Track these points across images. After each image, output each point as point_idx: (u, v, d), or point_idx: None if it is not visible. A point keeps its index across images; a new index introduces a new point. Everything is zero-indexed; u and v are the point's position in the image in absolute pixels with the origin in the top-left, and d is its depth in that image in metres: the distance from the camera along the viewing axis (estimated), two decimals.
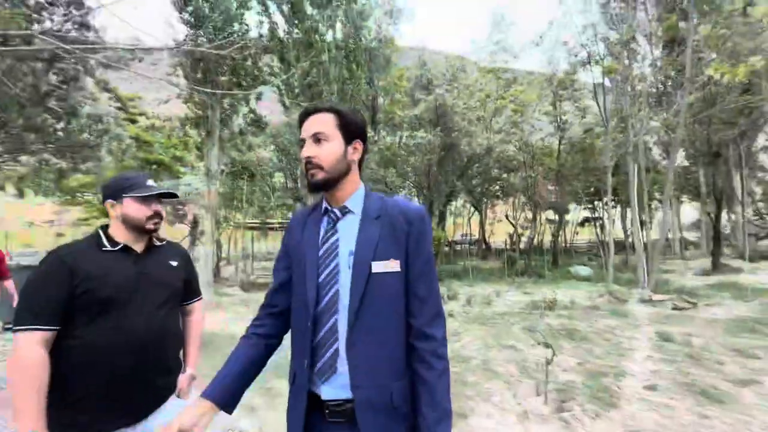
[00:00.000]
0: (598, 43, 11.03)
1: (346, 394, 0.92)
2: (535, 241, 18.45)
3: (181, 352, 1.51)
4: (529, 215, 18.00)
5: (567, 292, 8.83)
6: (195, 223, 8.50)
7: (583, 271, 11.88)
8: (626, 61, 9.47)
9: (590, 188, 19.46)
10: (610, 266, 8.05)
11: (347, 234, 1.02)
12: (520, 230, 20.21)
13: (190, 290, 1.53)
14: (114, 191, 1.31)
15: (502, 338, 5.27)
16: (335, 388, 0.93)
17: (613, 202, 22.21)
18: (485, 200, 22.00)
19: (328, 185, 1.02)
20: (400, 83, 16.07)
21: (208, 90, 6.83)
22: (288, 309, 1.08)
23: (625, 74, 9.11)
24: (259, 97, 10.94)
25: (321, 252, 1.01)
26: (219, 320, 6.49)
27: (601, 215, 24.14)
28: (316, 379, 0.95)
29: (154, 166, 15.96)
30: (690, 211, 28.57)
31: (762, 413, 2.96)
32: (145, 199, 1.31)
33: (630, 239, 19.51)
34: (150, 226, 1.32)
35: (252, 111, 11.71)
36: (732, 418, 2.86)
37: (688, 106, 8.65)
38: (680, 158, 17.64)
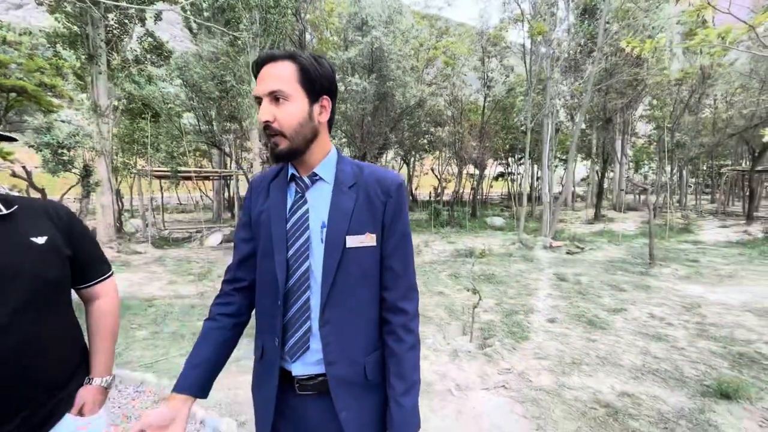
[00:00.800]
0: (525, 2, 11.36)
1: (319, 369, 0.90)
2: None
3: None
4: (454, 169, 19.02)
5: (485, 240, 9.83)
6: (86, 172, 7.05)
7: (498, 221, 13.26)
8: (549, 25, 9.95)
9: (506, 145, 21.22)
10: (521, 217, 9.06)
11: (318, 204, 0.92)
12: (444, 184, 21.45)
13: (84, 267, 1.07)
14: None
15: (432, 285, 5.72)
16: (307, 365, 0.90)
17: (522, 159, 24.71)
18: (413, 153, 22.50)
19: (293, 155, 0.88)
20: (330, 19, 14.66)
21: None
22: (254, 283, 0.99)
23: (548, 37, 9.60)
24: (158, 17, 8.95)
25: (289, 224, 0.90)
26: (132, 283, 5.76)
27: (512, 171, 26.82)
28: (287, 357, 0.90)
29: (13, 95, 12.48)
30: (580, 168, 33.34)
31: (627, 334, 3.77)
32: None
33: (536, 193, 22.17)
34: None
35: (150, 34, 9.60)
36: (609, 340, 3.60)
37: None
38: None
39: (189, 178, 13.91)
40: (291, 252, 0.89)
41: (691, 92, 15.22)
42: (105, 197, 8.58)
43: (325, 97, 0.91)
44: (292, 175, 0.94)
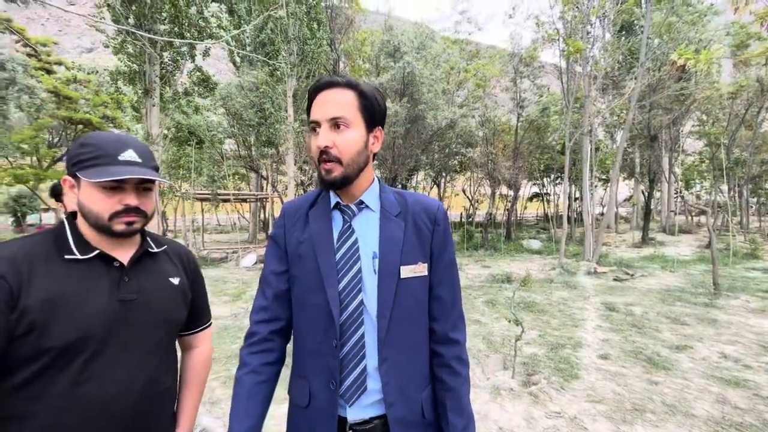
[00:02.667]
0: (559, 22, 11.18)
1: (375, 412, 0.84)
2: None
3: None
4: (486, 190, 18.61)
5: (522, 264, 9.35)
6: None
7: (535, 244, 12.65)
8: (585, 43, 9.70)
9: (542, 165, 20.55)
10: (562, 240, 8.56)
11: (366, 233, 0.88)
12: (475, 204, 20.98)
13: (194, 314, 1.03)
14: (69, 163, 0.84)
15: (468, 312, 5.43)
16: (364, 408, 0.84)
17: (559, 179, 23.78)
18: (444, 174, 22.35)
19: (345, 182, 0.85)
20: (363, 48, 15.25)
21: (145, 34, 5.86)
22: (290, 321, 0.93)
23: (584, 55, 9.35)
24: (207, 53, 9.72)
25: (338, 255, 0.85)
26: None
27: (548, 191, 25.83)
28: (341, 401, 0.83)
29: (80, 127, 13.89)
30: (623, 188, 31.53)
31: (697, 376, 3.31)
32: (112, 186, 0.82)
33: (574, 214, 21.13)
34: (118, 227, 0.82)
35: (198, 69, 10.42)
36: (676, 384, 3.17)
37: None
38: (619, 140, 19.05)
39: (228, 201, 14.59)
40: (342, 285, 0.83)
41: (747, 106, 14.10)
42: (152, 219, 9.15)
43: (379, 127, 0.90)
44: (337, 202, 0.89)
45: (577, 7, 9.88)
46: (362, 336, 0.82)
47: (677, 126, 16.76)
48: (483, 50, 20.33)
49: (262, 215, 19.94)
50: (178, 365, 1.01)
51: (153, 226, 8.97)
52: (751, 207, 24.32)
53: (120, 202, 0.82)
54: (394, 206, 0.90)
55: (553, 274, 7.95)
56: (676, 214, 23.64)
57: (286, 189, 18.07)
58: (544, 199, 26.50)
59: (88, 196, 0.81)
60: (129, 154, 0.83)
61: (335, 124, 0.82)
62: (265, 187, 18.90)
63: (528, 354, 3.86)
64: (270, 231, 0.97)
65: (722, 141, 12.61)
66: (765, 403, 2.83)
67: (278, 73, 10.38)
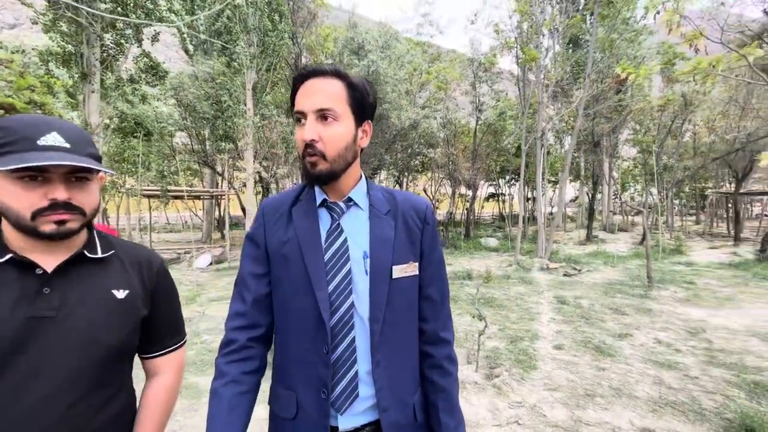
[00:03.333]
0: (515, 31, 11.78)
1: (367, 418, 0.81)
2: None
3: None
4: (447, 190, 19.16)
5: (481, 261, 9.74)
6: None
7: (492, 242, 13.23)
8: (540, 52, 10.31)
9: (498, 167, 21.55)
10: (518, 238, 9.04)
11: (355, 232, 0.84)
12: (435, 204, 21.51)
13: (151, 334, 0.87)
14: None
15: None
16: (356, 416, 0.80)
17: (513, 180, 25.10)
18: (407, 174, 22.68)
19: (331, 178, 0.80)
20: (326, 44, 14.98)
21: (86, 8, 5.40)
22: (271, 327, 0.87)
23: (538, 64, 9.93)
24: (156, 38, 8.98)
25: (327, 255, 0.81)
26: None
27: (503, 192, 27.17)
28: (331, 410, 0.79)
29: (0, 112, 12.23)
30: (568, 189, 34.01)
31: (637, 361, 3.65)
32: (31, 176, 0.67)
33: (527, 213, 22.39)
34: (46, 227, 0.68)
35: (146, 54, 9.60)
36: (620, 369, 3.47)
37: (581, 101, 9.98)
38: (567, 145, 20.53)
39: (180, 198, 13.65)
40: (331, 287, 0.79)
41: (673, 118, 15.82)
42: (94, 216, 8.29)
43: (368, 121, 0.86)
44: (324, 200, 0.85)
45: (532, 18, 10.48)
46: (353, 340, 0.79)
47: (616, 133, 18.39)
48: (444, 54, 20.86)
49: (216, 213, 18.91)
50: (124, 393, 0.81)
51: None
52: (674, 208, 27.36)
53: (45, 197, 0.67)
54: (383, 204, 0.87)
55: (509, 270, 8.38)
56: (614, 213, 25.96)
57: (244, 186, 17.28)
58: (500, 199, 27.80)
59: (4, 191, 0.67)
60: (53, 138, 0.67)
61: (322, 116, 0.77)
62: (220, 184, 17.95)
63: (490, 348, 4.03)
64: (247, 230, 0.90)
65: (653, 149, 14.04)
66: (693, 382, 3.19)
67: (236, 64, 9.88)
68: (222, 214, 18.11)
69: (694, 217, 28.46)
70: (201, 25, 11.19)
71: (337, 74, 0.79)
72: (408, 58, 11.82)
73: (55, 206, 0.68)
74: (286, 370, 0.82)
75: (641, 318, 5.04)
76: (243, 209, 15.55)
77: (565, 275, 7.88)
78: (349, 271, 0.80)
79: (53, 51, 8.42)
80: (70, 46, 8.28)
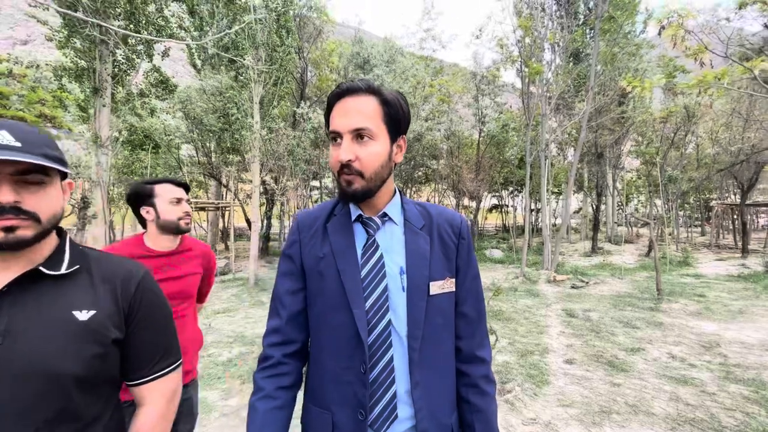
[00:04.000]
0: (518, 45, 11.99)
1: None
2: None
3: None
4: (451, 201, 19.17)
5: (487, 273, 9.67)
6: (84, 203, 6.85)
7: (497, 253, 13.16)
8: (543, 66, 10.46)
9: (501, 179, 21.62)
10: (524, 250, 8.99)
11: (391, 248, 0.83)
12: None
13: (131, 359, 0.76)
14: None
15: None
16: None
17: (516, 192, 25.11)
18: (410, 185, 22.78)
19: (367, 195, 0.80)
20: (331, 58, 15.28)
21: (103, 23, 5.54)
22: (307, 342, 0.87)
23: (541, 78, 10.05)
24: (166, 54, 9.19)
25: (364, 271, 0.80)
26: None
27: (506, 203, 27.15)
28: (370, 431, 0.77)
29: None
30: (572, 201, 33.96)
31: (651, 376, 3.58)
32: None
33: (531, 225, 22.31)
34: None
35: (156, 69, 9.81)
36: (634, 384, 3.40)
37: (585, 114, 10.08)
38: (570, 156, 20.60)
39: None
40: (368, 304, 0.78)
41: (675, 130, 15.88)
42: (98, 229, 8.35)
43: (403, 136, 0.86)
44: (359, 215, 0.85)
45: (534, 33, 10.66)
46: (391, 359, 0.77)
47: (619, 145, 18.45)
48: (446, 67, 21.19)
49: (220, 224, 18.98)
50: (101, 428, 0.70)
51: (99, 237, 8.20)
52: (680, 219, 27.20)
53: None
54: (418, 219, 0.87)
55: (516, 282, 8.31)
56: (619, 225, 25.83)
57: (248, 197, 17.39)
58: (503, 210, 27.76)
59: None
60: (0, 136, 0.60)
61: (358, 135, 0.77)
62: (225, 195, 18.09)
63: (500, 362, 3.97)
64: (282, 246, 0.90)
65: (657, 160, 14.06)
66: (711, 398, 3.12)
67: (243, 78, 10.08)
68: (226, 225, 18.17)
69: (699, 229, 28.25)
70: (209, 41, 11.48)
71: (371, 91, 0.79)
72: (412, 72, 12.01)
73: (0, 211, 0.60)
74: (320, 389, 0.81)
75: (653, 332, 4.96)
76: (247, 221, 15.61)
77: (572, 287, 7.80)
78: (386, 288, 0.79)
79: (66, 66, 8.63)
80: (83, 61, 8.49)
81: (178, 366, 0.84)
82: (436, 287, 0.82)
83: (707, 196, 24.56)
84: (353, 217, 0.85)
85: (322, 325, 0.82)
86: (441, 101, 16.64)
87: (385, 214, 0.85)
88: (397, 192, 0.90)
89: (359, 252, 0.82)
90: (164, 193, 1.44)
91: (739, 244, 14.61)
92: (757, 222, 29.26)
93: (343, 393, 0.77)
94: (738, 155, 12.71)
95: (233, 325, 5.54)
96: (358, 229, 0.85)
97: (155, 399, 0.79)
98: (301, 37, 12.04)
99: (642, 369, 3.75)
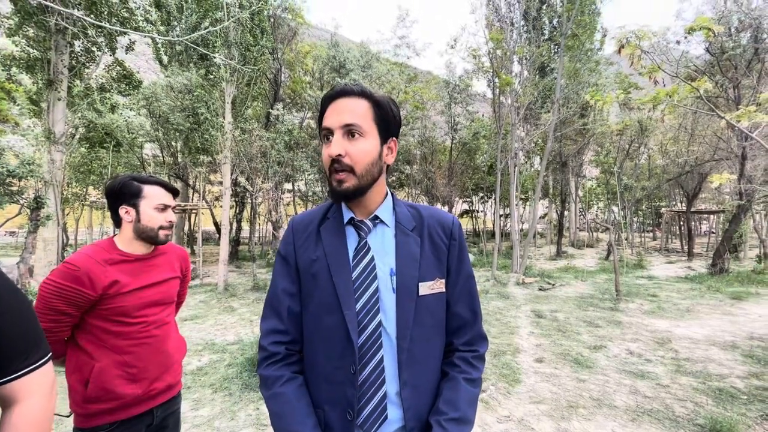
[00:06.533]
0: (489, 57, 12.48)
1: None
2: None
3: None
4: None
5: None
6: (38, 204, 6.30)
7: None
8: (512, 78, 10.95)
9: (472, 185, 22.27)
10: (494, 254, 9.29)
11: (382, 250, 0.85)
12: None
13: (6, 351, 0.68)
14: None
15: None
16: None
17: (486, 197, 25.93)
18: None
19: (358, 194, 0.82)
20: (305, 60, 15.14)
21: (64, 9, 5.26)
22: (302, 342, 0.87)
23: (511, 89, 10.51)
24: (130, 48, 8.72)
25: (355, 273, 0.81)
26: None
27: (476, 208, 27.95)
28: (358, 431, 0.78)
29: None
30: (539, 207, 35.52)
31: (613, 372, 3.82)
32: None
33: (502, 229, 23.05)
34: None
35: (119, 63, 9.28)
36: (598, 380, 3.61)
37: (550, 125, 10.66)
38: (537, 164, 21.60)
39: None
40: (359, 305, 0.79)
41: (630, 142, 17.11)
42: (49, 231, 7.73)
43: (393, 138, 0.88)
44: (351, 218, 0.86)
45: (505, 46, 11.15)
46: (381, 360, 0.78)
47: (581, 155, 19.58)
48: (420, 75, 21.60)
49: (186, 227, 18.14)
50: None
51: (52, 240, 7.59)
52: (633, 225, 29.17)
53: None
54: (409, 221, 0.89)
55: (487, 285, 8.56)
56: (581, 230, 27.30)
57: (216, 200, 16.74)
58: (474, 215, 28.53)
59: None
60: None
61: (349, 131, 0.79)
62: (192, 197, 17.32)
63: None
64: (278, 248, 0.89)
65: (614, 170, 15.05)
66: (665, 390, 3.37)
67: (213, 76, 9.75)
68: (193, 228, 17.39)
69: (651, 234, 30.43)
70: (181, 37, 11.02)
71: (363, 94, 0.82)
72: (388, 77, 12.17)
73: None
74: (313, 388, 0.82)
75: (613, 330, 5.29)
76: (216, 224, 15.02)
77: (540, 290, 8.15)
78: (377, 290, 0.80)
79: (17, 56, 7.98)
80: (35, 51, 7.90)
81: (49, 359, 0.76)
82: (426, 288, 0.83)
83: (658, 203, 26.54)
84: (345, 220, 0.86)
85: (314, 326, 0.82)
86: (415, 108, 16.96)
87: (376, 217, 0.87)
88: (389, 194, 0.92)
89: (351, 254, 0.83)
90: (152, 196, 1.32)
91: (686, 248, 15.89)
92: (700, 228, 31.96)
93: (334, 393, 0.78)
94: (684, 166, 13.88)
95: (202, 332, 5.31)
96: (350, 231, 0.86)
97: (33, 394, 0.70)
98: (275, 38, 11.85)
99: (604, 365, 3.99)
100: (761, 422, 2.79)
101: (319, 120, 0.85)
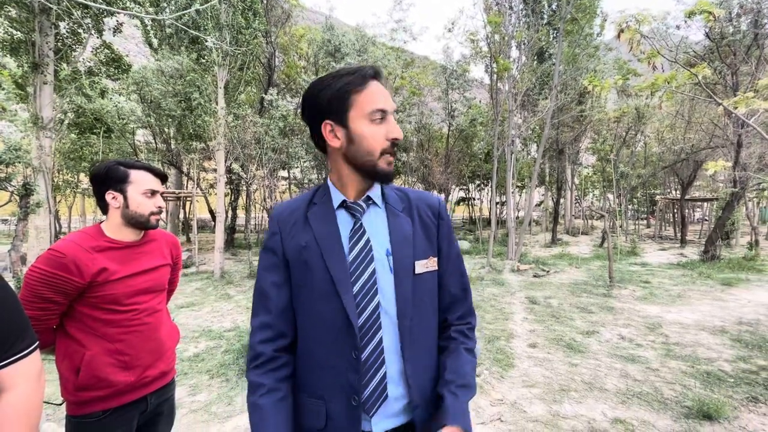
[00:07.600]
0: (486, 41, 12.26)
1: (400, 420, 0.80)
2: None
3: None
4: None
5: None
6: (27, 191, 6.19)
7: (464, 245, 13.56)
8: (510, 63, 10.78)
9: (469, 172, 22.20)
10: (490, 241, 9.34)
11: (376, 231, 0.85)
12: None
13: None
14: None
15: None
16: (388, 418, 0.79)
17: (483, 185, 25.91)
18: None
19: None
20: (299, 44, 14.80)
21: None
22: (296, 335, 0.85)
23: (509, 74, 10.36)
24: (118, 30, 8.45)
25: (351, 257, 0.80)
26: None
27: (473, 196, 27.96)
28: (362, 414, 0.77)
29: None
30: (534, 194, 35.64)
31: (604, 356, 3.89)
32: None
33: (498, 217, 23.15)
34: None
35: (107, 45, 9.00)
36: (590, 364, 3.68)
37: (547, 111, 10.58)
38: (533, 152, 21.54)
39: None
40: (356, 288, 0.78)
41: (627, 129, 17.07)
42: (41, 219, 7.62)
43: None
44: (343, 201, 0.85)
45: (503, 30, 10.95)
46: (381, 340, 0.78)
47: (578, 142, 19.53)
48: (417, 60, 21.23)
49: (181, 215, 18.01)
50: None
51: (43, 228, 7.51)
52: (628, 213, 29.39)
53: None
54: (398, 202, 0.89)
55: (483, 272, 8.63)
56: (576, 218, 27.49)
57: (211, 187, 16.58)
58: (470, 203, 28.57)
59: None
60: None
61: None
62: (186, 185, 17.14)
63: None
64: (263, 241, 0.87)
65: (611, 157, 15.06)
66: (655, 374, 3.44)
67: (205, 60, 9.51)
68: (188, 216, 17.28)
69: (645, 221, 30.70)
70: (171, 17, 10.67)
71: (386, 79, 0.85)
72: (384, 62, 11.96)
73: None
74: (311, 379, 0.81)
75: (605, 316, 5.37)
76: (211, 212, 14.92)
77: (534, 276, 8.23)
78: (374, 271, 0.80)
79: (0, 38, 7.72)
80: (19, 33, 7.63)
81: (36, 347, 0.76)
82: (421, 266, 0.84)
83: (653, 191, 26.69)
84: (336, 204, 0.85)
85: (309, 315, 0.81)
86: (412, 94, 16.71)
87: (369, 198, 0.86)
88: None
89: (346, 237, 0.82)
90: (139, 182, 1.29)
91: (679, 235, 16.07)
92: (694, 216, 32.29)
93: (335, 380, 0.78)
94: (680, 154, 13.90)
95: (198, 319, 5.33)
96: (341, 215, 0.85)
97: (19, 383, 0.70)
98: (269, 21, 11.53)
99: (596, 350, 4.06)
100: (747, 404, 2.86)
101: (345, 96, 0.78)
